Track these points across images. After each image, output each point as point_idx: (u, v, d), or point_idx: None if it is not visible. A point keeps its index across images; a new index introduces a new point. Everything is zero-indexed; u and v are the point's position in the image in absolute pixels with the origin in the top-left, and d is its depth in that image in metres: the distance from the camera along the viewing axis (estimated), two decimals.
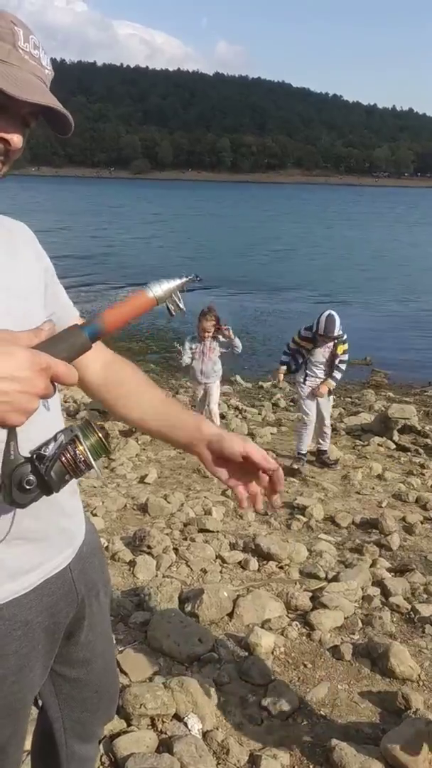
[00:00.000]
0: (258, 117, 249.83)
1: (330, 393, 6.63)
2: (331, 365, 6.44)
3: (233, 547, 4.56)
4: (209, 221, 50.12)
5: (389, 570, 4.33)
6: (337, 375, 6.46)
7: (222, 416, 8.05)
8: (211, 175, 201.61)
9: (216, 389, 7.05)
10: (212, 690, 2.93)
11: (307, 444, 6.59)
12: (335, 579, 4.07)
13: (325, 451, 6.72)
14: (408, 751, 2.52)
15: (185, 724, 2.71)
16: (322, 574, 4.16)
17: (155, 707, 2.69)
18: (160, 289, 1.18)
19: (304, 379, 6.52)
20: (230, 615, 3.60)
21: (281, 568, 4.28)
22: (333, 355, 6.40)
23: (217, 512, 5.07)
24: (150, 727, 2.69)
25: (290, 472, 6.23)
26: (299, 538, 4.81)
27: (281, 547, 4.40)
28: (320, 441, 6.71)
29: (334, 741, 2.64)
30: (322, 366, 6.46)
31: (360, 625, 3.63)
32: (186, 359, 6.85)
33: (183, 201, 78.46)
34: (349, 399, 10.10)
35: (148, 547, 4.31)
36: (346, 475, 6.26)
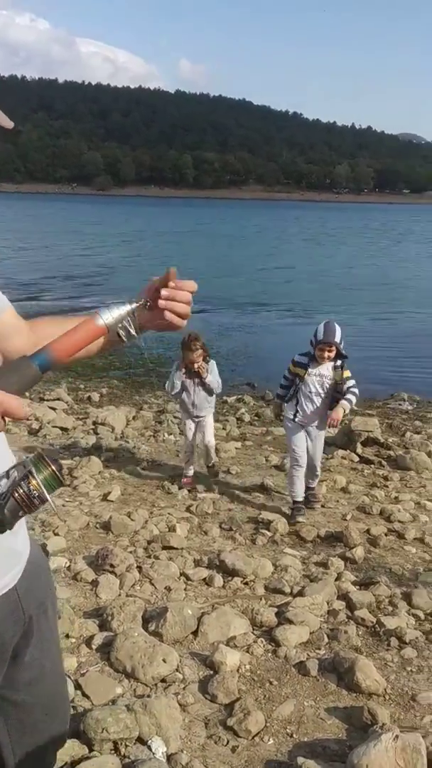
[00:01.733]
0: (219, 134, 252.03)
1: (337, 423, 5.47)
2: (332, 394, 5.41)
3: (198, 563, 4.51)
4: (181, 238, 50.15)
5: (354, 583, 4.32)
6: (352, 398, 5.36)
7: None
8: (173, 191, 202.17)
9: (210, 422, 6.31)
10: (176, 711, 2.87)
11: (302, 489, 5.63)
12: (300, 594, 4.04)
13: (313, 488, 5.86)
14: (374, 765, 2.50)
15: (149, 748, 2.66)
16: (288, 589, 4.14)
17: (117, 731, 2.62)
18: (110, 315, 1.16)
19: (294, 415, 5.49)
20: (195, 633, 3.56)
21: (246, 584, 4.24)
22: (335, 383, 5.37)
23: (181, 529, 5.02)
24: (113, 751, 2.62)
25: (260, 488, 6.21)
26: (264, 553, 4.78)
27: (246, 563, 4.36)
28: (309, 480, 5.79)
29: (300, 759, 2.61)
30: (317, 398, 5.41)
31: (326, 639, 3.61)
32: (176, 387, 5.99)
33: (159, 218, 78.53)
34: None
35: (111, 565, 4.24)
36: (310, 486, 6.25)
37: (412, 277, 30.17)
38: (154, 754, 2.63)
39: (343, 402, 5.30)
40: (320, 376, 5.39)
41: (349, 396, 5.32)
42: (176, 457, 7.04)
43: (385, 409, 10.52)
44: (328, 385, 5.38)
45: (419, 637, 3.66)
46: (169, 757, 2.64)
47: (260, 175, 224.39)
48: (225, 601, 3.99)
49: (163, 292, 1.25)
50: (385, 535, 5.17)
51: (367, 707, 2.96)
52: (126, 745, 2.64)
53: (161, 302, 1.25)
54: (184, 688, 3.09)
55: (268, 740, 2.84)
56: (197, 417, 6.18)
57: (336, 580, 4.33)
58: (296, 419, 5.50)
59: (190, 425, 6.24)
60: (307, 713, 3.02)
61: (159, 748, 2.66)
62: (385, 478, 6.67)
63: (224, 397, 10.72)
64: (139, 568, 4.31)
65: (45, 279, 25.37)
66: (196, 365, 5.85)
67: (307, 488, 5.76)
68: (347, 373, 5.35)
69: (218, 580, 4.21)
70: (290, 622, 3.66)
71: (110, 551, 4.35)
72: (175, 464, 6.78)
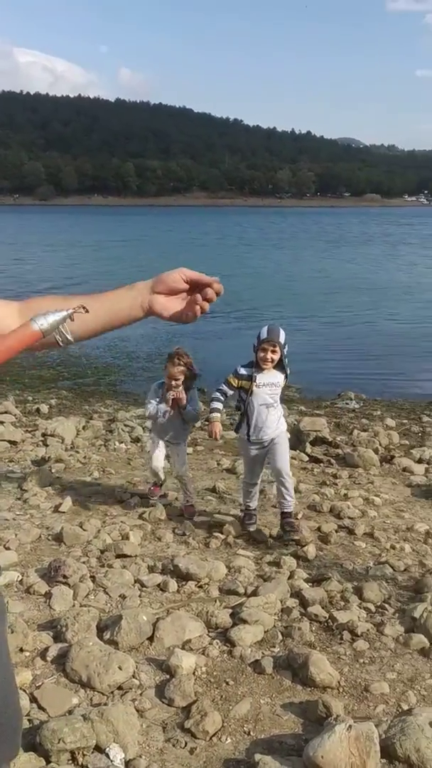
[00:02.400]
0: (161, 142, 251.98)
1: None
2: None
3: (152, 569, 4.51)
4: (128, 246, 49.89)
5: (307, 580, 4.39)
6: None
7: (137, 440, 8.00)
8: (117, 199, 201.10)
9: (184, 449, 5.74)
10: (134, 717, 2.88)
11: (256, 498, 5.31)
12: (254, 593, 4.09)
13: (290, 513, 5.06)
14: (330, 757, 2.55)
15: (107, 755, 2.66)
16: (242, 590, 4.18)
17: (74, 740, 2.62)
18: (45, 321, 1.24)
19: (248, 434, 4.99)
20: (150, 639, 3.57)
21: (201, 587, 4.27)
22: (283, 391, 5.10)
23: (134, 536, 5.01)
24: (70, 761, 2.61)
25: (212, 492, 6.24)
26: (218, 555, 4.81)
27: (200, 567, 4.39)
28: (281, 502, 5.10)
29: (258, 756, 2.65)
30: (270, 410, 4.97)
31: (280, 637, 3.66)
32: (151, 409, 5.42)
33: (108, 227, 77.96)
34: None
35: (64, 576, 4.21)
36: (262, 490, 6.31)
37: (357, 278, 30.73)
38: (112, 761, 2.63)
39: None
40: (271, 385, 4.95)
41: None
42: (128, 465, 7.03)
43: (333, 408, 10.70)
44: (278, 394, 5.02)
45: (370, 629, 3.75)
46: (128, 763, 2.65)
47: (204, 182, 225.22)
48: (180, 605, 4.01)
49: (207, 291, 1.48)
50: (336, 531, 5.26)
51: (322, 701, 3.02)
52: (84, 755, 2.64)
53: (200, 296, 1.49)
54: (140, 694, 3.10)
55: (226, 740, 2.87)
56: (169, 443, 5.66)
57: (289, 578, 4.40)
58: (251, 438, 5.00)
59: (160, 447, 5.67)
60: (264, 710, 3.07)
61: (117, 755, 2.66)
62: (335, 476, 6.78)
63: None
64: (93, 577, 4.30)
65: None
66: (171, 393, 5.29)
67: (283, 514, 5.07)
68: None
69: (172, 585, 4.22)
70: (245, 622, 3.70)
71: (63, 562, 4.32)
72: (127, 472, 6.77)
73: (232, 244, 53.57)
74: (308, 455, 7.43)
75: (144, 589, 4.21)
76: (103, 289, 1.56)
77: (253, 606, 3.87)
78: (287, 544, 4.95)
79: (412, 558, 4.84)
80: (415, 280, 31.01)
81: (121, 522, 5.38)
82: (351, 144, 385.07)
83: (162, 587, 4.23)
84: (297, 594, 4.15)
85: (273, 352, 4.85)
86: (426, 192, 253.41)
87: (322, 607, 3.98)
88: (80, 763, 2.61)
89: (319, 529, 5.30)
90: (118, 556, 4.67)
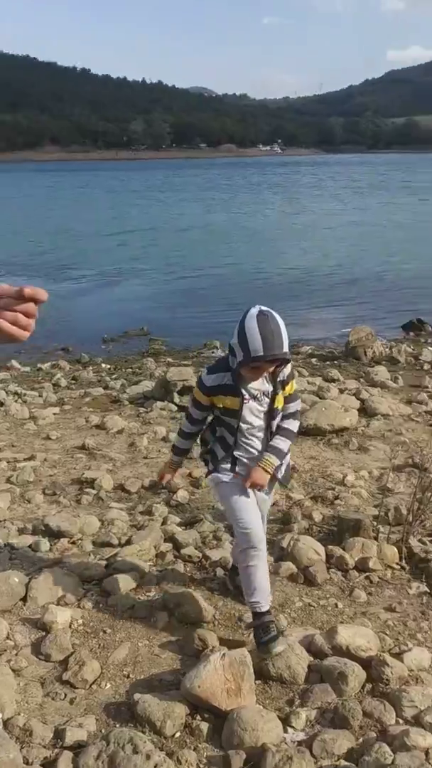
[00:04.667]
0: (5, 94, 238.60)
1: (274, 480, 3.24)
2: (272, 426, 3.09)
3: (22, 532, 4.42)
4: None
5: (179, 524, 4.47)
6: (287, 438, 3.11)
7: (0, 403, 7.72)
8: None
9: None
10: (10, 677, 2.83)
11: (267, 585, 3.11)
12: (128, 543, 4.11)
13: (257, 606, 3.13)
14: (206, 685, 2.64)
15: None
16: (115, 541, 4.19)
17: None
18: None
19: (232, 467, 3.14)
20: (24, 599, 3.50)
21: (74, 543, 4.23)
22: (272, 410, 3.04)
23: (2, 500, 4.88)
24: None
25: (81, 449, 6.16)
26: (90, 510, 4.78)
27: (72, 523, 4.35)
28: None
29: (137, 696, 2.69)
30: (260, 434, 3.09)
31: (155, 581, 3.71)
32: None
33: None
34: (130, 369, 10.18)
35: None
36: (132, 443, 6.32)
37: (215, 228, 30.89)
38: None
39: (270, 457, 3.05)
40: (261, 399, 3.03)
41: (279, 441, 3.08)
42: None
43: (200, 358, 10.82)
44: (267, 407, 3.05)
45: None
46: (6, 723, 2.61)
47: (54, 136, 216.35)
48: (53, 563, 3.96)
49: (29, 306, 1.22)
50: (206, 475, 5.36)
51: (198, 635, 3.11)
52: None
53: (7, 314, 1.20)
54: (16, 654, 3.06)
55: (106, 685, 2.89)
56: None
57: (162, 524, 4.45)
58: (238, 468, 3.15)
59: None
60: (142, 653, 3.11)
61: None
62: None
63: (38, 365, 10.46)
64: None
65: None
66: None
67: (255, 615, 3.12)
68: (292, 387, 3.10)
69: (44, 544, 4.15)
70: (119, 571, 3.72)
71: None
72: None
73: (87, 200, 52.11)
74: (177, 405, 7.49)
75: (14, 551, 4.11)
76: None
77: (128, 555, 3.90)
78: (162, 498, 4.93)
79: (279, 493, 5.02)
80: (274, 226, 31.66)
81: None
82: (203, 93, 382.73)
83: (34, 548, 4.15)
84: (170, 538, 4.21)
85: (278, 367, 2.94)
86: (279, 141, 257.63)
87: (195, 548, 4.07)
88: None
89: (190, 474, 5.39)
90: None
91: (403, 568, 3.87)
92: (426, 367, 9.52)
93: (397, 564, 3.88)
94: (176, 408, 7.44)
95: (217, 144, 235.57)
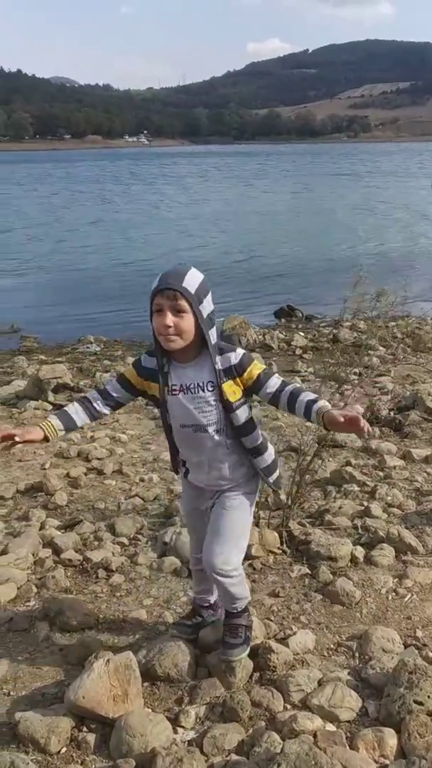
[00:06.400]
0: None
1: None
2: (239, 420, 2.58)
3: None
4: None
5: (59, 528, 4.30)
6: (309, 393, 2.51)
7: None
8: None
9: None
10: None
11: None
12: (4, 552, 3.91)
13: (235, 612, 2.87)
14: (91, 695, 2.53)
15: None
16: None
17: None
18: None
19: (186, 471, 2.78)
20: None
21: None
22: (226, 403, 2.51)
23: None
24: None
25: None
26: None
27: None
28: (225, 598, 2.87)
29: (18, 714, 2.55)
30: (213, 433, 2.58)
31: (34, 590, 3.55)
32: None
33: None
34: (1, 369, 9.76)
35: None
36: (5, 447, 6.03)
37: (79, 221, 30.28)
38: None
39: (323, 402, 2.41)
40: (194, 392, 2.52)
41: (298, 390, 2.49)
42: None
43: (75, 354, 10.55)
44: (214, 401, 2.52)
45: (124, 562, 3.79)
46: None
47: None
48: None
49: None
50: (85, 474, 5.21)
51: (81, 642, 3.00)
52: None
53: None
54: None
55: None
56: None
57: (40, 529, 4.27)
58: (188, 476, 2.79)
59: None
60: (23, 668, 2.96)
61: None
62: None
63: None
64: None
65: None
66: None
67: (227, 615, 2.89)
68: (257, 367, 2.54)
69: None
70: None
71: None
72: None
73: None
74: (51, 403, 7.24)
75: None
76: None
77: (3, 564, 3.70)
78: (38, 501, 4.73)
79: (160, 487, 4.96)
80: (143, 219, 31.46)
81: None
82: (66, 83, 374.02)
83: None
84: (49, 543, 4.04)
85: (175, 302, 2.39)
86: (145, 132, 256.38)
87: (76, 551, 3.93)
88: None
89: (68, 475, 5.21)
90: None
91: (284, 552, 3.91)
92: (298, 351, 9.76)
93: (279, 548, 3.92)
94: (51, 407, 7.19)
95: (83, 136, 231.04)
